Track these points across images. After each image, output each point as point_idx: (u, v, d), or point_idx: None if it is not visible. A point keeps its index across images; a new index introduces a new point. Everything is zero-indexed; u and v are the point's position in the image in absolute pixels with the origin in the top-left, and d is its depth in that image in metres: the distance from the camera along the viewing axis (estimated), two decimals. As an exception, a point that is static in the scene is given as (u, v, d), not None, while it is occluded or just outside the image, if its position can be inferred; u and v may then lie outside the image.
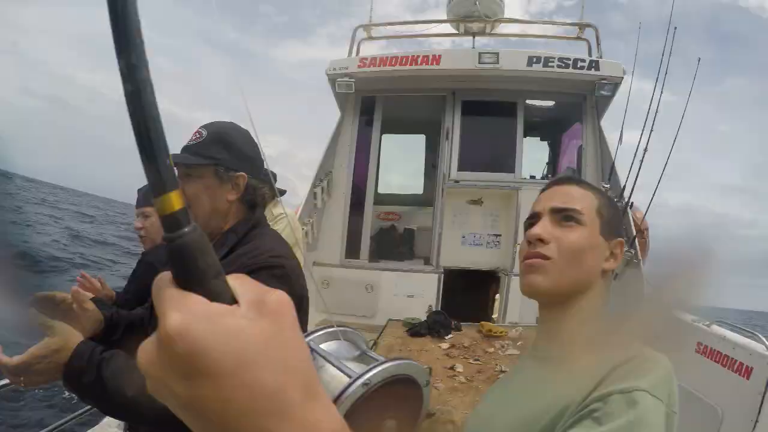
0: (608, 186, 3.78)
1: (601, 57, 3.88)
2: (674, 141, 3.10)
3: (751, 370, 2.02)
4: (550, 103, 4.73)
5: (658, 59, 3.14)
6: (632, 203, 3.58)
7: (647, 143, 3.18)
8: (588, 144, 4.00)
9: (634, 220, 3.56)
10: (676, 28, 3.16)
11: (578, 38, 4.32)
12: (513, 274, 3.83)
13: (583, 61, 3.81)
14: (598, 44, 4.04)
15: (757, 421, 1.92)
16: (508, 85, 4.13)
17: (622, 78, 3.73)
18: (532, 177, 4.67)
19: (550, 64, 3.90)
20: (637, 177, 3.33)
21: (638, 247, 3.54)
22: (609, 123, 4.08)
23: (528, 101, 4.45)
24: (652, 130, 3.14)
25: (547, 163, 5.06)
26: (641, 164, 3.25)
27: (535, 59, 3.89)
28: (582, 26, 4.28)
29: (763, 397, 1.92)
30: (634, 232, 3.53)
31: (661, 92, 3.08)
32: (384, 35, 4.85)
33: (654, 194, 3.23)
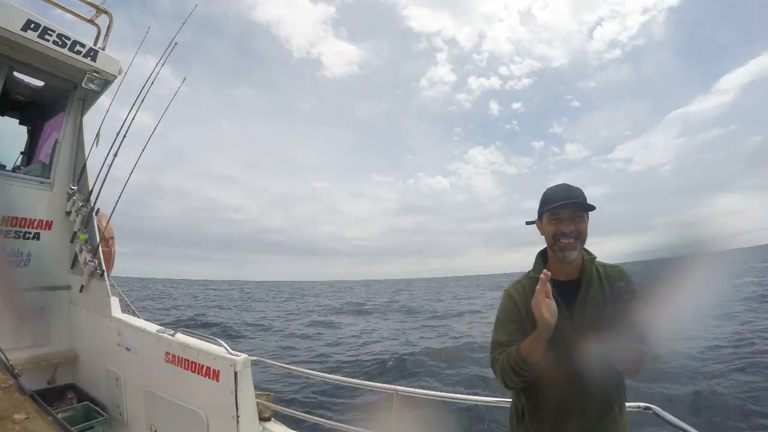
0: (75, 188, 3.47)
1: (104, 48, 3.64)
2: (142, 151, 3.29)
3: (219, 373, 2.15)
4: (40, 83, 3.91)
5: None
6: (98, 209, 3.45)
7: (117, 150, 3.20)
8: (65, 139, 3.56)
9: (98, 227, 3.43)
10: (176, 43, 3.39)
11: (91, 21, 3.89)
12: None
13: (83, 45, 3.43)
14: (107, 34, 3.76)
15: (238, 416, 2.05)
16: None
17: (116, 77, 3.63)
18: (1, 167, 3.57)
19: (47, 36, 3.22)
20: (103, 183, 3.27)
21: (102, 257, 3.40)
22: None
23: (16, 73, 3.48)
24: (124, 137, 3.21)
25: (22, 153, 4.04)
26: (109, 170, 3.22)
27: (33, 25, 3.11)
28: (99, 10, 3.87)
29: (236, 395, 2.06)
30: (98, 240, 3.39)
31: (137, 110, 3.25)
32: None
33: (117, 200, 3.24)
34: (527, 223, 1.40)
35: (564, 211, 1.29)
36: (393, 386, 2.12)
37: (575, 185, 1.34)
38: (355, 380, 2.28)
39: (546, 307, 1.15)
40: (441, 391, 2.25)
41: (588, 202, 1.30)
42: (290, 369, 2.54)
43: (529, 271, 1.42)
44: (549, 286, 1.18)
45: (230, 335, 12.21)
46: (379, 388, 2.21)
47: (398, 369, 7.80)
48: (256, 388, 2.27)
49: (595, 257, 1.38)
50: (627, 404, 1.36)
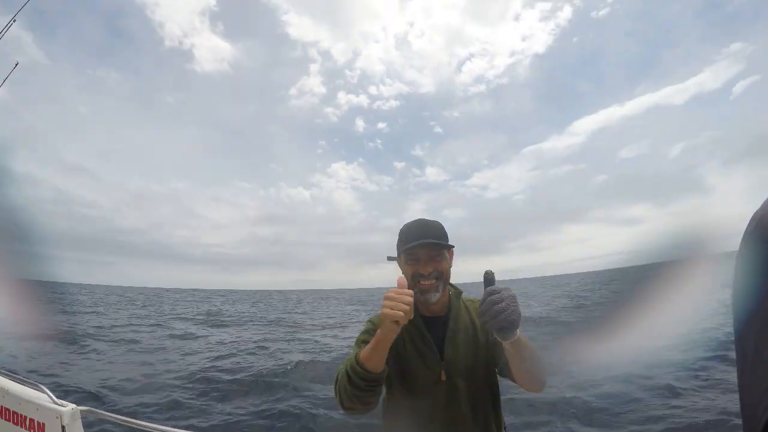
0: None
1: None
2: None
3: (44, 426, 1.79)
4: None
5: None
6: None
7: None
8: None
9: None
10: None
11: None
12: None
13: None
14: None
15: None
16: None
17: None
18: None
19: None
20: None
21: None
22: None
23: None
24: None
25: None
26: None
27: None
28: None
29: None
30: None
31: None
32: None
33: None
34: (389, 258, 1.29)
35: (421, 250, 1.19)
36: None
37: (432, 219, 1.27)
38: None
39: (395, 300, 0.97)
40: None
41: (445, 237, 1.23)
42: (130, 423, 1.95)
43: None
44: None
45: (80, 345, 10.45)
46: None
47: (264, 385, 7.25)
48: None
49: (461, 292, 1.33)
50: None
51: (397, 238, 1.29)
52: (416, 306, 1.24)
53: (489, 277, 0.97)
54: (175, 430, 1.82)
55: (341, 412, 1.13)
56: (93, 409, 1.95)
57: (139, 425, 1.89)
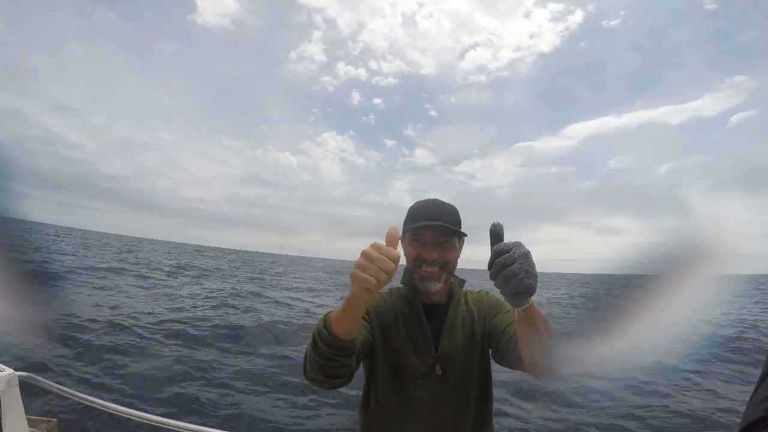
0: None
1: None
2: None
3: None
4: None
5: None
6: None
7: None
8: None
9: None
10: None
11: None
12: None
13: None
14: None
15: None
16: None
17: None
18: None
19: None
20: None
21: None
22: None
23: None
24: None
25: None
26: None
27: None
28: None
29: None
30: None
31: None
32: None
33: None
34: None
35: (428, 233, 1.07)
36: (203, 428, 1.61)
37: (448, 203, 1.14)
38: (157, 418, 1.63)
39: (374, 261, 0.73)
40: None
41: (459, 224, 1.10)
42: (70, 394, 1.80)
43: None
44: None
45: (49, 286, 10.10)
46: (185, 430, 1.63)
47: (235, 337, 7.40)
48: (33, 410, 1.75)
49: (464, 281, 1.23)
50: None
51: (400, 217, 1.15)
52: (416, 290, 1.15)
53: (496, 231, 0.78)
54: (114, 404, 1.73)
55: (305, 381, 0.97)
56: (33, 375, 1.83)
57: (82, 398, 1.78)
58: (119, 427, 3.50)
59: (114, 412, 1.71)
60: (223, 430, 1.63)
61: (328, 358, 0.86)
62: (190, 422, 1.63)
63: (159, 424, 1.62)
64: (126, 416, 1.69)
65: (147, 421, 1.64)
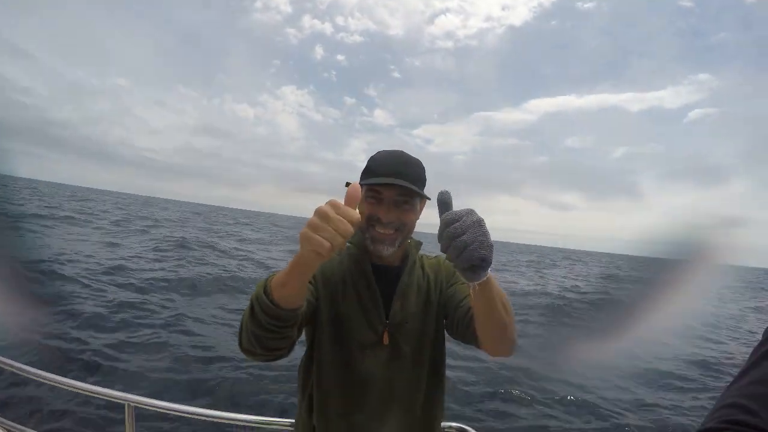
0: None
1: None
2: None
3: None
4: None
5: None
6: None
7: None
8: None
9: None
10: None
11: None
12: None
13: None
14: None
15: None
16: None
17: None
18: None
19: None
20: None
21: None
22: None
23: None
24: None
25: None
26: None
27: None
28: None
29: None
30: None
31: None
32: None
33: None
34: (347, 185, 0.82)
35: (387, 190, 0.95)
36: (126, 395, 1.51)
37: (414, 157, 1.00)
38: (79, 383, 1.55)
39: (329, 222, 0.63)
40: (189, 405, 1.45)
41: (422, 183, 0.99)
42: (13, 367, 1.68)
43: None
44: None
45: None
46: (107, 396, 1.53)
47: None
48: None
49: (421, 243, 1.10)
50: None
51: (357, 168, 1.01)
52: (366, 250, 1.02)
53: (444, 200, 0.71)
54: (52, 375, 1.59)
55: (240, 353, 0.84)
56: None
57: (15, 368, 1.66)
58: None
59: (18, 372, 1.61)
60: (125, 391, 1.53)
61: (267, 329, 0.75)
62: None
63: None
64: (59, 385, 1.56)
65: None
